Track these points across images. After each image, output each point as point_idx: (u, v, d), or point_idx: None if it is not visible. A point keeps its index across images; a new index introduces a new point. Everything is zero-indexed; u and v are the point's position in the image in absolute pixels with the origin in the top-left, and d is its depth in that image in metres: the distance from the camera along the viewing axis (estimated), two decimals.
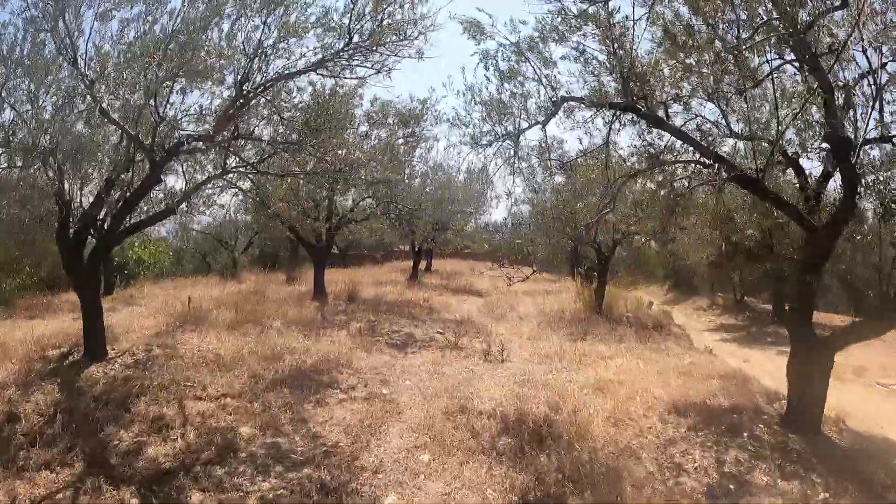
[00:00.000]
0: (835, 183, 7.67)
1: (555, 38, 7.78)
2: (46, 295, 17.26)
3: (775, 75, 6.77)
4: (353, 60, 8.03)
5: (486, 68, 8.26)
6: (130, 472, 6.32)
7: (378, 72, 8.19)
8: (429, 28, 8.04)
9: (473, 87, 8.46)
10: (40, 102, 7.79)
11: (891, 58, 6.33)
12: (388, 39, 7.85)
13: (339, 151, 9.00)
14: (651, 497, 6.19)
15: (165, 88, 7.53)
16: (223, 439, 7.03)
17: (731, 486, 6.41)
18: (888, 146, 7.03)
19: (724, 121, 7.46)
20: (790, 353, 7.92)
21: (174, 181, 15.43)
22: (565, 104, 8.08)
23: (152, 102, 7.32)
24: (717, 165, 6.50)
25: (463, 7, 8.48)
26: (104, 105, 7.10)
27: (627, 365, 11.08)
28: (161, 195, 9.82)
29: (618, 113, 7.20)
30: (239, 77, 7.77)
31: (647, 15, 6.83)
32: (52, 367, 8.97)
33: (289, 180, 10.46)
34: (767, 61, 6.75)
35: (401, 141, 15.14)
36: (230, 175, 9.98)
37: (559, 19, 7.56)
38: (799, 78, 7.33)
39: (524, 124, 8.21)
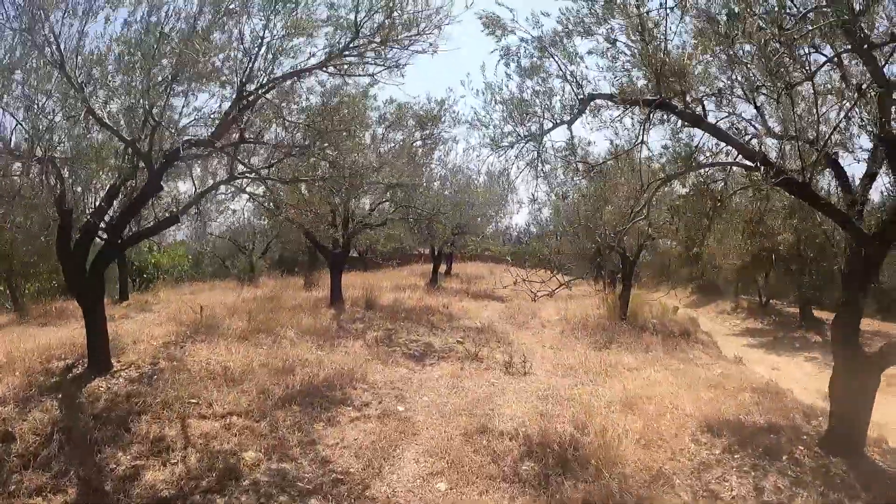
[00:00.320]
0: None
1: (580, 32, 7.20)
2: (61, 301, 16.80)
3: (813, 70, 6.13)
4: (364, 58, 7.46)
5: (507, 65, 7.72)
6: (125, 501, 5.87)
7: (388, 68, 7.61)
8: (443, 21, 7.46)
9: (493, 86, 7.91)
10: (36, 108, 7.34)
11: None
12: (400, 34, 7.26)
13: (351, 155, 8.44)
14: None
15: (161, 90, 6.99)
16: (226, 464, 6.56)
17: None
18: None
19: (759, 119, 6.84)
20: (834, 369, 7.30)
21: (187, 187, 15.17)
22: (592, 102, 7.48)
23: (145, 105, 6.76)
24: (761, 168, 5.83)
25: (482, 2, 7.87)
26: (94, 108, 6.57)
27: (655, 377, 10.50)
28: (169, 200, 9.31)
29: (651, 111, 6.56)
30: (241, 78, 7.23)
31: (680, 3, 6.20)
32: (54, 381, 8.53)
33: (303, 187, 9.93)
34: (808, 53, 6.13)
35: (418, 143, 14.59)
36: (239, 181, 9.43)
37: (585, 10, 6.98)
38: (837, 75, 6.72)
39: (548, 124, 7.63)
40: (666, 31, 6.41)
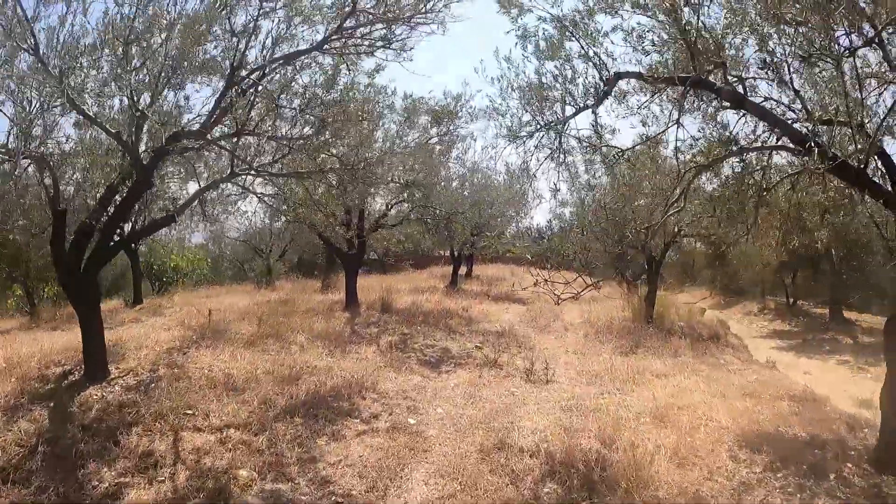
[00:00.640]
0: None
1: (603, 8, 6.46)
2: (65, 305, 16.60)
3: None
4: (366, 39, 6.74)
5: (524, 48, 6.99)
6: None
7: (394, 50, 6.87)
8: None
9: (510, 70, 7.19)
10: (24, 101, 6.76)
11: None
12: (404, 10, 6.53)
13: (359, 149, 7.74)
14: None
15: (151, 79, 6.34)
16: (216, 484, 5.98)
17: None
18: None
19: (799, 103, 6.04)
20: (886, 378, 6.57)
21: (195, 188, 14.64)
22: (618, 87, 6.72)
23: (128, 93, 6.11)
24: (814, 151, 5.04)
25: None
26: (74, 97, 5.94)
27: (685, 384, 9.78)
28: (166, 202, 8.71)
29: (686, 89, 5.78)
30: (231, 62, 6.53)
31: None
32: (48, 389, 8.05)
33: (318, 186, 9.25)
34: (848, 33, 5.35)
35: (434, 140, 13.86)
36: (243, 179, 8.79)
37: None
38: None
39: (570, 110, 6.88)
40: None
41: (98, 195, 8.24)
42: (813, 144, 5.07)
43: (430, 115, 13.35)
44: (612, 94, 6.70)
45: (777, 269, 20.42)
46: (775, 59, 5.76)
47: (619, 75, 6.11)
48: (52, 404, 7.43)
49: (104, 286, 22.54)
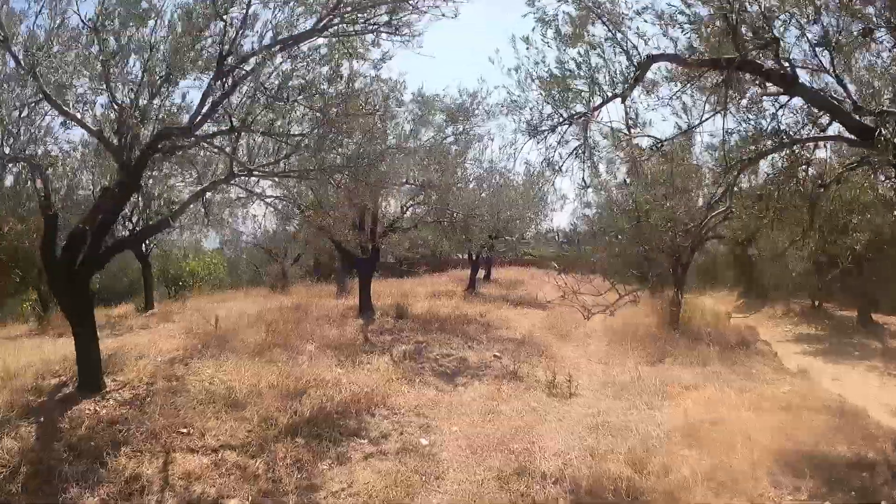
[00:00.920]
0: None
1: None
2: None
3: None
4: (369, 24, 6.04)
5: (544, 34, 6.26)
6: None
7: (394, 27, 6.12)
8: None
9: (528, 59, 6.48)
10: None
11: None
12: None
13: (369, 146, 7.06)
14: None
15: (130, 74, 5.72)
16: None
17: None
18: None
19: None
20: None
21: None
22: (647, 76, 5.99)
23: (110, 88, 5.48)
24: (881, 140, 4.29)
25: None
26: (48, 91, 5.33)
27: (717, 396, 9.08)
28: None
29: (732, 73, 5.03)
30: (220, 48, 5.85)
31: None
32: (40, 402, 7.53)
33: (324, 186, 8.57)
34: None
35: (450, 139, 13.13)
36: (245, 180, 8.13)
37: None
38: None
39: (596, 101, 6.15)
40: None
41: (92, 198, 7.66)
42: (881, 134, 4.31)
43: (444, 114, 12.63)
44: (642, 82, 5.97)
45: (813, 272, 19.40)
46: (830, 38, 5.00)
47: (652, 58, 5.36)
48: (41, 419, 6.93)
49: (119, 291, 22.31)
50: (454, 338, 12.78)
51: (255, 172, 7.53)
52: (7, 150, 6.29)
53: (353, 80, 6.49)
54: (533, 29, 6.28)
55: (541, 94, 6.37)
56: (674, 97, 5.66)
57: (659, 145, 5.73)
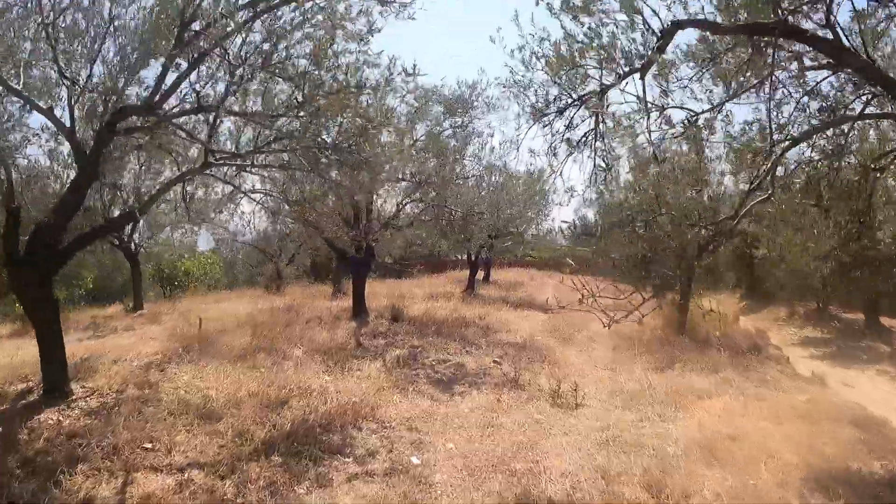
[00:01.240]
0: None
1: None
2: (75, 309, 16.25)
3: None
4: None
5: (550, 6, 5.46)
6: None
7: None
8: None
9: (533, 38, 5.69)
10: None
11: None
12: None
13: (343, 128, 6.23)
14: None
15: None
16: None
17: None
18: None
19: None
20: None
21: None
22: (662, 58, 5.18)
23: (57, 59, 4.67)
24: None
25: None
26: None
27: (732, 406, 8.45)
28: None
29: (775, 41, 4.23)
30: (181, 16, 5.01)
31: None
32: (2, 409, 6.91)
33: (309, 179, 7.75)
34: None
35: (448, 132, 12.30)
36: (224, 172, 7.32)
37: None
38: None
39: (609, 79, 5.35)
40: None
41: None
42: None
43: (443, 106, 11.80)
44: (663, 54, 5.16)
45: (827, 273, 18.58)
46: None
47: (677, 24, 4.54)
48: None
49: (113, 291, 21.67)
50: (451, 342, 11.97)
51: (232, 161, 6.72)
52: None
53: (325, 51, 5.64)
54: (537, 3, 5.50)
55: (547, 73, 5.58)
56: (702, 70, 4.83)
57: (693, 119, 4.90)
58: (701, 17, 4.47)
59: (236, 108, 5.54)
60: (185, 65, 5.12)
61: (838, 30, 4.20)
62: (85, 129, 5.63)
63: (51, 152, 6.76)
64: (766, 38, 4.18)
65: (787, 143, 4.46)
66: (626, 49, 4.99)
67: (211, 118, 6.34)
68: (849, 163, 4.61)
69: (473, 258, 22.31)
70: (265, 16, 5.14)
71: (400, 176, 11.86)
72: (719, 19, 4.79)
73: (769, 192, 4.44)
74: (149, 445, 6.12)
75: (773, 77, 4.07)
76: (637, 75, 4.92)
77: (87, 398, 7.42)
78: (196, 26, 4.90)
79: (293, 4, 5.12)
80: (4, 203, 6.71)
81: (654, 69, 5.26)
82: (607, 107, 5.01)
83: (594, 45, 5.22)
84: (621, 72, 4.98)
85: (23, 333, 12.42)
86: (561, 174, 6.06)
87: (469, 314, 15.26)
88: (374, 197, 12.91)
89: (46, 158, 6.77)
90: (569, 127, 5.66)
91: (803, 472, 6.08)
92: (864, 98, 4.67)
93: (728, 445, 6.75)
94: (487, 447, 6.64)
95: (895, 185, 6.97)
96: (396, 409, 7.76)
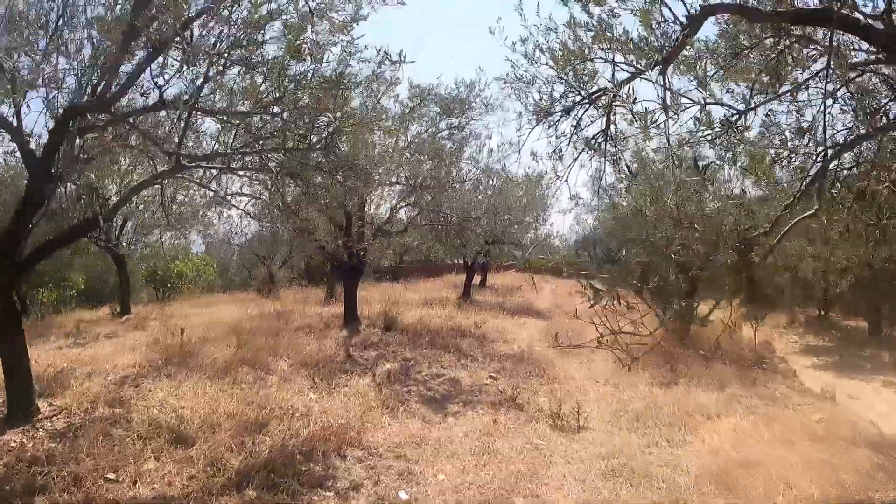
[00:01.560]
0: None
1: None
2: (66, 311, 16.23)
3: None
4: None
5: None
6: None
7: None
8: None
9: (537, 29, 5.08)
10: None
11: None
12: None
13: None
14: None
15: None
16: None
17: None
18: None
19: None
20: None
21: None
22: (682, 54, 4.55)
23: None
24: None
25: None
26: None
27: (742, 426, 7.86)
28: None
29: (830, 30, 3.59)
30: None
31: None
32: None
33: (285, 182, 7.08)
34: None
35: (444, 133, 11.66)
36: (199, 175, 6.68)
37: None
38: None
39: (623, 74, 4.72)
40: None
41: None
42: None
43: (439, 106, 11.16)
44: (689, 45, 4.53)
45: (856, 286, 18.04)
46: None
47: (708, 9, 3.88)
48: None
49: (105, 293, 21.13)
50: (446, 354, 11.30)
51: (206, 164, 6.08)
52: None
53: (319, 46, 5.00)
54: None
55: (553, 67, 4.96)
56: (725, 65, 4.19)
57: (735, 117, 4.23)
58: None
59: (200, 104, 4.91)
60: (142, 55, 4.50)
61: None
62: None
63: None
64: (810, 29, 3.59)
65: (833, 149, 3.84)
66: (645, 39, 4.37)
67: (184, 117, 5.70)
68: None
69: (469, 263, 21.73)
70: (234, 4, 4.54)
71: (394, 179, 11.24)
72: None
73: (817, 205, 3.82)
74: (112, 476, 5.50)
75: (829, 71, 3.45)
76: (656, 70, 4.28)
77: (55, 418, 6.83)
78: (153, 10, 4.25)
79: None
80: None
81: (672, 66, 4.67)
82: (634, 100, 4.35)
83: (607, 35, 4.61)
84: (639, 66, 4.35)
85: None
86: (567, 179, 5.43)
87: (465, 322, 14.64)
88: (367, 201, 12.28)
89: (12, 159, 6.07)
90: (577, 128, 5.05)
91: None
92: None
93: (743, 475, 6.16)
94: (483, 478, 5.97)
95: None
96: (385, 433, 7.06)
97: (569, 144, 5.18)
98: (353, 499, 5.49)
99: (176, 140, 6.02)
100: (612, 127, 5.08)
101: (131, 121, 5.05)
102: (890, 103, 3.93)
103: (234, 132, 5.86)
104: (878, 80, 4.33)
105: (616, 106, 4.59)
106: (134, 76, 4.65)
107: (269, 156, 5.75)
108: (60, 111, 4.66)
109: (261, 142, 5.55)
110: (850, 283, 16.18)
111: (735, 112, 4.15)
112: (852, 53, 3.87)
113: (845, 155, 4.49)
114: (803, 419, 8.42)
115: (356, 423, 7.14)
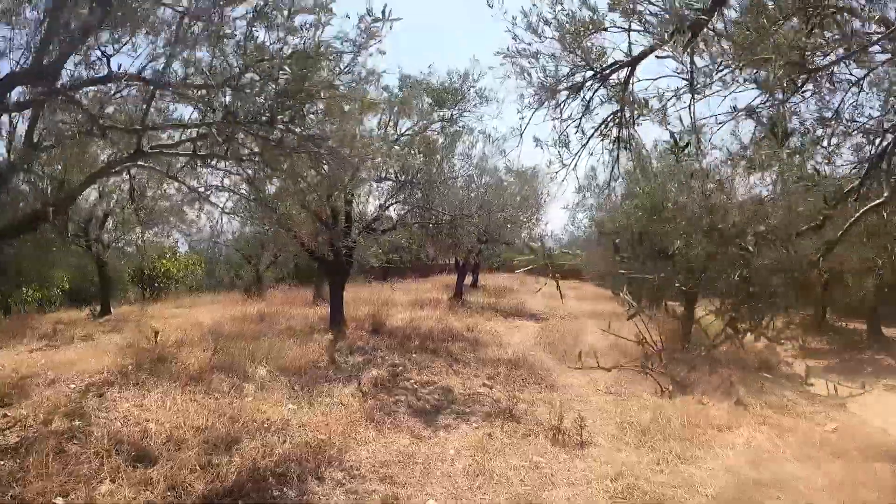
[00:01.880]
0: None
1: None
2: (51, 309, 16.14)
3: None
4: None
5: None
6: None
7: None
8: None
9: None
10: None
11: None
12: None
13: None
14: None
15: None
16: None
17: None
18: None
19: None
20: None
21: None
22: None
23: None
24: None
25: None
26: None
27: (755, 438, 7.36)
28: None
29: None
30: None
31: None
32: None
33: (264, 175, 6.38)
34: None
35: (436, 126, 10.97)
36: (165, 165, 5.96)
37: None
38: None
39: (638, 48, 4.07)
40: None
41: None
42: None
43: (431, 97, 10.46)
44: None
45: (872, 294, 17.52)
46: None
47: None
48: None
49: (93, 292, 20.44)
50: (437, 359, 10.58)
51: (170, 151, 5.37)
52: None
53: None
54: None
55: (559, 41, 4.29)
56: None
57: (794, 87, 3.54)
58: None
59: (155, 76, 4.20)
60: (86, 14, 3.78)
61: None
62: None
63: None
64: None
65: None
66: (667, 7, 3.71)
67: (147, 94, 5.00)
68: None
69: (461, 263, 21.04)
70: None
71: (383, 175, 10.54)
72: None
73: (886, 194, 3.17)
74: (60, 502, 4.81)
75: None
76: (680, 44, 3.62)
77: (7, 431, 6.16)
78: None
79: None
80: None
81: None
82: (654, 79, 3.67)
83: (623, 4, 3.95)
84: (661, 37, 3.68)
85: None
86: (574, 168, 4.76)
87: (457, 325, 13.98)
88: (354, 196, 11.56)
89: None
90: (586, 110, 4.38)
91: None
92: None
93: (761, 496, 5.63)
94: (477, 502, 5.30)
95: None
96: (369, 451, 6.29)
97: (577, 129, 4.50)
98: None
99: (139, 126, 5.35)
100: (627, 111, 4.43)
101: (74, 96, 4.30)
102: None
103: (201, 115, 5.15)
104: None
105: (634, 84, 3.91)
106: (78, 38, 3.90)
107: (241, 140, 5.04)
108: None
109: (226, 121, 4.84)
110: (875, 284, 15.49)
111: (800, 73, 3.45)
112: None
113: None
114: (817, 430, 7.93)
115: (337, 439, 6.40)
